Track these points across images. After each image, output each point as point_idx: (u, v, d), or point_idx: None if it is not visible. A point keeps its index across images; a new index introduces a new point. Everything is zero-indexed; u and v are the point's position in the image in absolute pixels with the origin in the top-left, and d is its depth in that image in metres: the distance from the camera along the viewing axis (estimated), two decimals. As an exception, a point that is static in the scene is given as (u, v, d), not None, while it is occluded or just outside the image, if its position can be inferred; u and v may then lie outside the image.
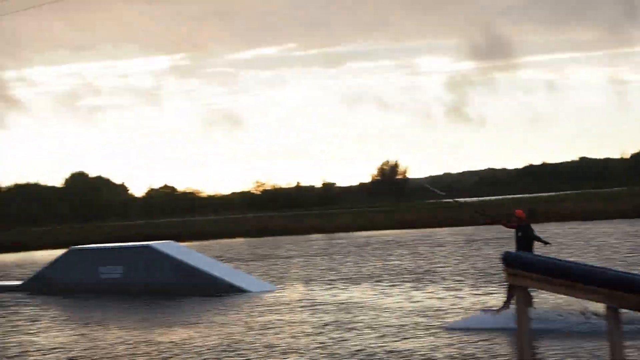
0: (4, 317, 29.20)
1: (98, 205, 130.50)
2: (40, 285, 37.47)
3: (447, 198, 31.56)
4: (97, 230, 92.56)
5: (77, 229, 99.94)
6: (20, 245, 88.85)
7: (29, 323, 27.23)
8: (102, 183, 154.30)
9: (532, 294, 20.95)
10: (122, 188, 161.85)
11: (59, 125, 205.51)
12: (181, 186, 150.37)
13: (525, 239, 22.29)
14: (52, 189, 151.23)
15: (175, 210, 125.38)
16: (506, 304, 22.01)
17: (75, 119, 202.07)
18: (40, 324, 26.89)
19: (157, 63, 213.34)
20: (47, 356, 20.51)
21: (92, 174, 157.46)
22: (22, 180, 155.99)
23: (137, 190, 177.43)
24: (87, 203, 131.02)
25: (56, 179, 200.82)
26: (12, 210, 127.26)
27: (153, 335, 22.93)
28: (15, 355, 20.79)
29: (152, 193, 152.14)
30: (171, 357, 19.47)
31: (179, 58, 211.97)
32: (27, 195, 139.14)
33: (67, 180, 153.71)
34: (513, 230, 22.59)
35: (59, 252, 42.46)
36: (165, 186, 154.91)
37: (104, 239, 65.44)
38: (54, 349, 21.59)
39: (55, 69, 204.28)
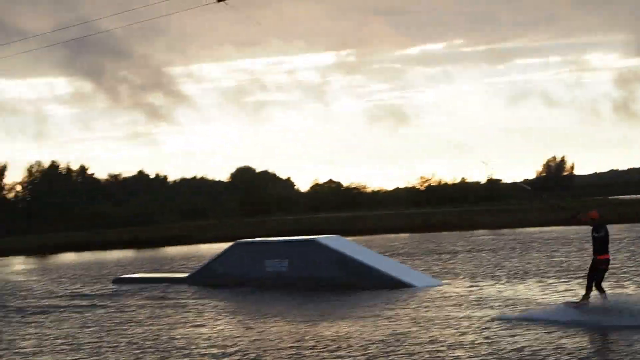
0: (171, 309, 29.64)
1: (263, 200, 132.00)
2: (206, 278, 37.97)
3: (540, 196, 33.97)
4: (262, 224, 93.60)
5: (242, 222, 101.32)
6: (187, 238, 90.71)
7: (195, 315, 27.57)
8: (267, 177, 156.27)
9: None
10: (288, 182, 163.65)
11: (226, 120, 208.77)
12: (346, 181, 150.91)
13: (598, 240, 23.00)
14: (219, 183, 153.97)
15: (340, 205, 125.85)
16: (585, 297, 22.96)
17: (241, 114, 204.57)
18: (207, 316, 27.19)
19: (323, 59, 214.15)
20: (214, 348, 20.64)
21: (258, 168, 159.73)
22: (189, 174, 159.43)
23: (303, 184, 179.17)
24: (253, 197, 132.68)
25: (222, 174, 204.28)
26: (178, 203, 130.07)
27: (318, 328, 22.88)
28: (183, 347, 20.99)
29: (317, 188, 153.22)
30: (336, 350, 19.35)
31: (345, 54, 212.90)
32: (194, 189, 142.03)
33: (233, 175, 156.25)
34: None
35: (224, 246, 42.99)
36: (331, 181, 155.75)
37: (269, 233, 66.15)
38: (221, 341, 21.75)
39: (222, 65, 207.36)
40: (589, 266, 23.20)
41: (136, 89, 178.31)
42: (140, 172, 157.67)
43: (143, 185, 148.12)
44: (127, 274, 44.89)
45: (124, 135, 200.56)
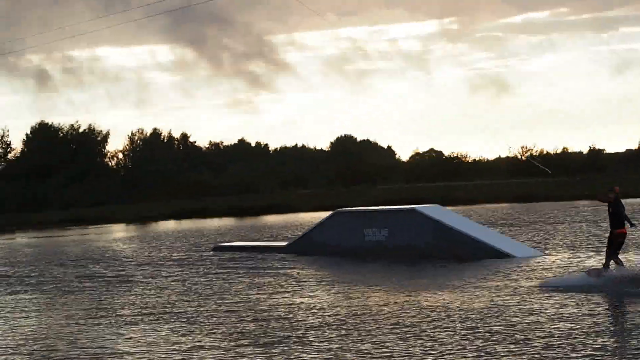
0: (271, 277, 29.75)
1: (364, 169, 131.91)
2: (306, 247, 38.05)
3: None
4: (362, 194, 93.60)
5: (342, 192, 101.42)
6: (286, 207, 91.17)
7: (294, 283, 27.63)
8: (368, 146, 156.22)
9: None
10: (388, 152, 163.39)
11: (327, 89, 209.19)
12: (447, 151, 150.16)
13: (615, 215, 24.12)
14: (319, 151, 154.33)
15: (440, 175, 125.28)
16: (606, 265, 24.38)
17: (343, 83, 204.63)
18: (306, 285, 27.22)
19: (426, 27, 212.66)
20: (313, 317, 20.63)
21: (359, 137, 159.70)
22: (289, 143, 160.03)
23: (403, 154, 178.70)
24: (353, 166, 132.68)
25: (323, 142, 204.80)
26: (279, 172, 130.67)
27: (417, 297, 22.73)
28: (283, 315, 21.02)
29: (417, 157, 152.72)
30: (436, 320, 19.19)
31: (447, 22, 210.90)
32: (294, 158, 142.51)
33: (333, 144, 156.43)
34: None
35: (323, 215, 43.03)
36: (431, 150, 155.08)
37: (369, 202, 66.11)
38: (320, 309, 21.75)
39: (324, 33, 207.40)
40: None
41: (238, 57, 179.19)
42: (241, 141, 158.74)
43: (244, 154, 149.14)
44: (227, 242, 45.25)
45: (225, 103, 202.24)
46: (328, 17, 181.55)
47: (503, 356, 15.33)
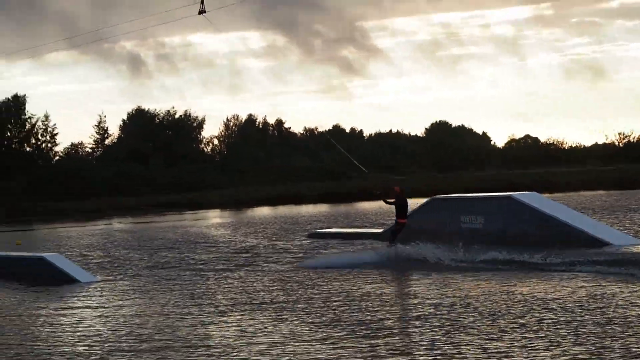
0: (367, 264, 29.68)
1: (458, 155, 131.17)
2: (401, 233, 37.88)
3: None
4: (457, 180, 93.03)
5: (437, 178, 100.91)
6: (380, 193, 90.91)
7: (389, 272, 27.53)
8: (463, 132, 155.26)
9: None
10: (484, 138, 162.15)
11: (420, 74, 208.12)
12: (543, 137, 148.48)
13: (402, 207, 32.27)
14: (414, 137, 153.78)
15: (536, 161, 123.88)
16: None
17: (437, 68, 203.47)
18: (403, 272, 27.09)
19: (520, 12, 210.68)
20: (412, 305, 20.49)
21: (454, 123, 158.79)
22: (383, 128, 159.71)
23: (498, 140, 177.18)
24: (448, 152, 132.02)
25: (418, 128, 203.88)
26: (371, 158, 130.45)
27: (513, 287, 22.43)
28: (372, 306, 20.89)
29: (513, 143, 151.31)
30: (531, 310, 18.90)
31: (542, 7, 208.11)
32: (389, 144, 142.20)
33: (428, 130, 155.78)
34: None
35: (419, 201, 42.82)
36: (527, 136, 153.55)
37: (464, 188, 65.61)
38: (417, 297, 21.60)
39: (416, 19, 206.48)
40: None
41: (329, 42, 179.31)
42: (336, 127, 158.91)
43: (338, 140, 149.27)
44: (322, 229, 45.34)
45: (318, 89, 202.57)
46: (420, 2, 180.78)
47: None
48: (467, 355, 14.87)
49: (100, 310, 22.05)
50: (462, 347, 15.53)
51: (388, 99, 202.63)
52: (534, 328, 16.89)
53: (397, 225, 32.13)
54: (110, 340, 17.81)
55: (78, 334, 18.67)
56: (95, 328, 19.31)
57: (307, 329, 17.97)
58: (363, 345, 16.05)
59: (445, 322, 17.91)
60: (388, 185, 33.39)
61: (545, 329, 16.69)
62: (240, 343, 16.82)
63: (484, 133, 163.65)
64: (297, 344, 16.51)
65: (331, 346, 16.16)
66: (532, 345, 15.42)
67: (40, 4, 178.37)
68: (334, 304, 21.04)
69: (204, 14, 48.28)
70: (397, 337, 16.66)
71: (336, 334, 17.21)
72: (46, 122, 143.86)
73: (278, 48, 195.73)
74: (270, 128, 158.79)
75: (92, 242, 47.05)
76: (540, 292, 21.16)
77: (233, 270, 29.83)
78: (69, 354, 16.63)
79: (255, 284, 25.61)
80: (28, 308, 23.08)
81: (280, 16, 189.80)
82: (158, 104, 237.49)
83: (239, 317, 19.83)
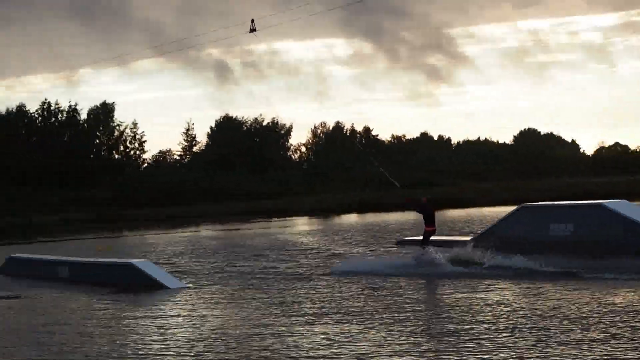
0: (455, 272, 29.39)
1: (547, 162, 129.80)
2: (490, 241, 37.48)
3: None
4: (546, 188, 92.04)
5: (525, 185, 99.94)
6: (469, 201, 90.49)
7: (479, 280, 27.19)
8: (552, 140, 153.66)
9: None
10: (572, 145, 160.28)
11: (508, 81, 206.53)
12: (633, 144, 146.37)
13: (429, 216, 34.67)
14: (502, 145, 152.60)
15: (626, 169, 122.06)
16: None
17: (524, 75, 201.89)
18: (490, 280, 26.74)
19: (608, 19, 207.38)
20: (501, 314, 20.19)
21: (542, 130, 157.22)
22: (471, 136, 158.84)
23: (587, 147, 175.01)
24: (536, 159, 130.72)
25: (506, 136, 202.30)
26: (461, 165, 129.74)
27: (606, 296, 21.99)
28: (455, 315, 20.66)
29: (602, 151, 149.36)
30: (624, 320, 18.51)
31: (632, 14, 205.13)
32: (477, 151, 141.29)
33: (516, 137, 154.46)
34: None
35: (507, 209, 42.37)
36: (617, 144, 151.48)
37: (553, 196, 64.82)
38: (507, 306, 21.24)
39: (502, 26, 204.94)
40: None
41: (416, 49, 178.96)
42: (424, 134, 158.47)
43: (426, 147, 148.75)
44: (411, 236, 45.08)
45: (404, 96, 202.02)
46: (505, 9, 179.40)
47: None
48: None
49: (188, 317, 22.11)
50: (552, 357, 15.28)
51: (475, 107, 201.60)
52: (626, 336, 16.54)
53: (426, 233, 34.54)
54: (198, 347, 17.83)
55: (165, 340, 18.74)
56: (182, 335, 19.36)
57: (395, 338, 17.80)
58: (452, 355, 15.84)
59: (535, 331, 17.62)
60: (418, 196, 36.94)
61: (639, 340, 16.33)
62: (328, 352, 16.71)
63: (572, 140, 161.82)
64: (385, 353, 16.36)
65: (420, 356, 15.99)
66: (626, 357, 15.08)
67: (127, 13, 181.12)
68: (423, 312, 20.84)
69: (254, 32, 51.56)
70: (485, 347, 16.42)
71: (425, 343, 17.02)
72: (134, 130, 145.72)
73: (364, 55, 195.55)
74: (358, 135, 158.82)
75: (180, 249, 47.36)
76: (635, 302, 20.73)
77: (320, 277, 29.75)
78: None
79: (342, 292, 25.50)
80: (116, 314, 23.25)
81: (366, 23, 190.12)
82: (244, 111, 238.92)
83: (326, 325, 19.72)
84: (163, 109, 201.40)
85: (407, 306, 21.92)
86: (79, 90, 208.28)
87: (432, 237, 37.10)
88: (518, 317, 19.44)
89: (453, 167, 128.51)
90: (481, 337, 17.38)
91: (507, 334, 17.51)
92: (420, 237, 40.51)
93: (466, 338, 17.33)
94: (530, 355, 15.52)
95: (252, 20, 52.17)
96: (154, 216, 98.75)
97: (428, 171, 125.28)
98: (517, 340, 16.92)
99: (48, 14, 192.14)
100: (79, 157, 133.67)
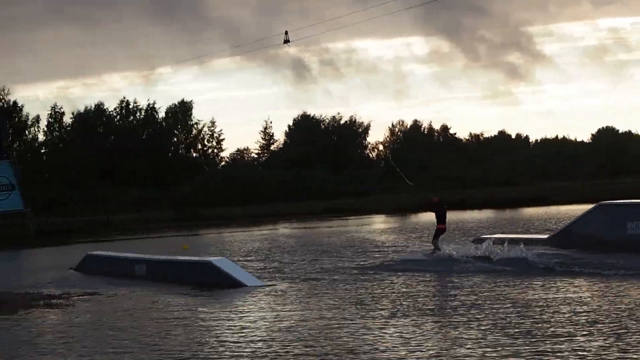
0: (533, 271, 29.21)
1: (626, 160, 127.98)
2: (567, 240, 37.18)
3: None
4: (625, 186, 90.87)
5: (603, 184, 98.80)
6: (546, 200, 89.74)
7: (552, 278, 27.01)
8: (631, 138, 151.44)
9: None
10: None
11: (587, 80, 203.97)
12: None
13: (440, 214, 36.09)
14: (580, 143, 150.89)
15: None
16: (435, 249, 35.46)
17: (603, 73, 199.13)
18: (566, 277, 26.55)
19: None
20: (579, 312, 20.02)
21: (621, 129, 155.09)
22: (549, 134, 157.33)
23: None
24: (615, 158, 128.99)
25: (584, 134, 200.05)
26: (539, 164, 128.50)
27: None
28: (547, 310, 20.53)
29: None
30: None
31: None
32: (555, 150, 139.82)
33: (594, 136, 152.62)
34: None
35: (584, 208, 41.96)
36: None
37: (631, 194, 63.96)
38: (585, 304, 21.11)
39: (582, 24, 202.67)
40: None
41: (494, 47, 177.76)
42: (502, 132, 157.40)
43: (504, 146, 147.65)
44: (487, 235, 44.85)
45: (483, 95, 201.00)
46: (585, 7, 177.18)
47: None
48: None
49: (266, 315, 22.24)
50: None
51: (554, 105, 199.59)
52: None
53: (437, 230, 36.26)
54: (275, 345, 17.95)
55: (243, 338, 18.89)
56: (259, 333, 19.48)
57: (472, 335, 17.75)
58: (530, 353, 15.77)
59: (615, 329, 17.49)
60: (430, 196, 38.79)
61: None
62: (406, 349, 16.73)
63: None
64: (463, 350, 16.34)
65: (498, 353, 15.95)
66: None
67: (205, 12, 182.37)
68: (500, 310, 20.73)
69: (288, 43, 54.15)
70: (564, 344, 16.33)
71: (502, 340, 16.96)
72: (212, 128, 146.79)
73: (442, 53, 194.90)
74: (436, 134, 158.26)
75: (258, 247, 47.65)
76: None
77: (397, 275, 29.76)
78: (233, 358, 16.85)
79: (419, 289, 25.49)
80: (195, 312, 23.48)
81: (444, 22, 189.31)
82: (322, 109, 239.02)
83: (403, 323, 19.72)
84: (241, 108, 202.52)
85: (481, 303, 21.82)
86: (157, 89, 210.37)
87: (511, 235, 37.03)
88: (597, 316, 19.26)
89: (531, 165, 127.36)
90: (559, 336, 17.28)
91: (585, 333, 17.38)
92: (497, 235, 40.53)
93: (543, 337, 17.23)
94: (609, 356, 15.41)
95: (286, 32, 54.73)
96: (232, 214, 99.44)
97: (507, 169, 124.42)
98: (595, 339, 16.78)
99: (129, 13, 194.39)
100: (157, 156, 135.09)
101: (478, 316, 20.04)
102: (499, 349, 16.33)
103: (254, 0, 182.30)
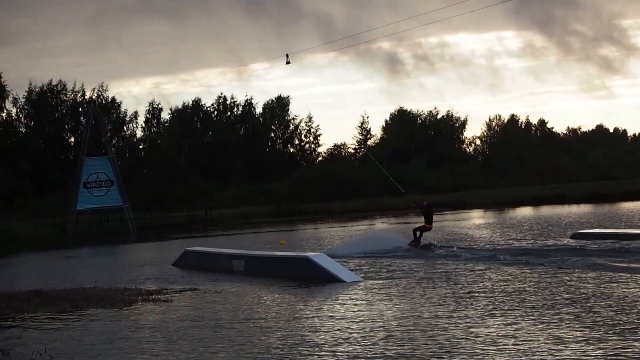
0: (628, 265, 28.72)
1: None
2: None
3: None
4: None
5: None
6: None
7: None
8: None
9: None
10: None
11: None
12: None
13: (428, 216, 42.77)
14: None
15: None
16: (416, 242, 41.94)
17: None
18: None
19: None
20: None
21: None
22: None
23: None
24: None
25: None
26: (637, 158, 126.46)
27: None
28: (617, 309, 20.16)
29: None
30: None
31: None
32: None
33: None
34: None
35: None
36: None
37: None
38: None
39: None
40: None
41: (588, 40, 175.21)
42: (600, 126, 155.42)
43: (602, 139, 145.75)
44: (587, 229, 44.29)
45: (578, 89, 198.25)
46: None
47: None
48: None
49: (364, 310, 22.16)
50: None
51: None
52: None
53: (423, 228, 42.70)
54: (372, 340, 17.89)
55: (339, 334, 18.85)
56: (357, 328, 19.42)
57: (570, 331, 17.48)
58: (631, 350, 15.48)
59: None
60: (420, 201, 47.55)
61: None
62: (504, 346, 16.56)
63: None
64: (562, 347, 16.09)
65: (599, 349, 15.68)
66: None
67: (297, 6, 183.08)
68: (601, 307, 20.37)
69: (289, 64, 58.33)
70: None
71: (605, 337, 16.67)
72: (309, 123, 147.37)
73: (535, 47, 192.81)
74: (533, 128, 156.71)
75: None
76: None
77: (494, 271, 29.50)
78: (330, 355, 16.81)
79: (514, 286, 25.22)
80: (293, 307, 23.53)
81: (537, 15, 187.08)
82: (418, 104, 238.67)
83: (502, 319, 19.52)
84: (336, 103, 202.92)
85: (578, 299, 21.48)
86: (252, 84, 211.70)
87: (610, 230, 36.62)
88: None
89: (630, 159, 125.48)
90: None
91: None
92: (596, 230, 40.17)
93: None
94: None
95: (287, 55, 58.46)
96: (329, 210, 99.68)
97: (605, 163, 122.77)
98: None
99: (221, 8, 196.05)
100: (255, 152, 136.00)
101: (579, 312, 19.76)
102: (597, 344, 16.08)
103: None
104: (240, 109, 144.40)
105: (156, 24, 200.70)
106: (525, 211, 78.60)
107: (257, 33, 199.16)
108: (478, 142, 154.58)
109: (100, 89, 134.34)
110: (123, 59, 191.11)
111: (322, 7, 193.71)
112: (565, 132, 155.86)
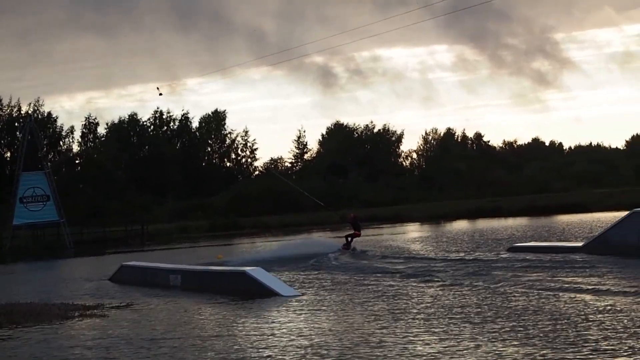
0: (567, 277, 29.05)
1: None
2: (602, 247, 37.00)
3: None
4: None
5: (639, 190, 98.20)
6: (581, 207, 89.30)
7: (592, 284, 26.82)
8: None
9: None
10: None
11: (616, 86, 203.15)
12: None
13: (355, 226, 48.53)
14: (614, 150, 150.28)
15: None
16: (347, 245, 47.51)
17: (632, 80, 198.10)
18: (603, 286, 26.37)
19: None
20: (595, 322, 19.90)
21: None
22: (582, 141, 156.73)
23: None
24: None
25: (618, 141, 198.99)
26: (573, 171, 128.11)
27: None
28: (584, 318, 20.38)
29: None
30: None
31: None
32: (589, 157, 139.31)
33: (628, 142, 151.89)
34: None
35: (620, 214, 41.72)
36: None
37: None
38: (606, 313, 20.94)
39: (608, 30, 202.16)
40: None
41: (520, 54, 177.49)
42: (535, 139, 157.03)
43: (538, 153, 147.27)
44: (522, 242, 44.70)
45: (512, 102, 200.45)
46: (606, 12, 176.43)
47: None
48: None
49: (300, 324, 22.18)
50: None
51: (584, 112, 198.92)
52: None
53: (354, 235, 48.48)
54: (307, 355, 17.92)
55: (276, 348, 18.85)
56: (294, 343, 19.43)
57: (509, 343, 17.61)
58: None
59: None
60: (347, 214, 54.45)
61: None
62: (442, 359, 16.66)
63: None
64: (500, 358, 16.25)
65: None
66: None
67: (228, 21, 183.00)
68: (535, 320, 20.57)
69: (161, 95, 63.61)
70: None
71: (540, 351, 16.85)
72: (246, 137, 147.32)
73: (468, 61, 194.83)
74: (469, 141, 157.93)
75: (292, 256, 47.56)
76: None
77: (431, 284, 29.63)
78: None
79: (455, 298, 25.36)
80: (231, 322, 23.46)
81: (469, 29, 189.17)
82: (353, 117, 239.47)
83: (440, 332, 19.61)
84: (272, 117, 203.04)
85: (519, 311, 21.67)
86: (188, 99, 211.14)
87: (546, 243, 36.99)
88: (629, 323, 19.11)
89: (566, 172, 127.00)
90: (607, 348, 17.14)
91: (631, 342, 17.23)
92: (532, 244, 40.60)
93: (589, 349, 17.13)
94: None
95: (158, 87, 65.07)
96: (267, 223, 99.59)
97: (541, 176, 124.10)
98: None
99: (152, 24, 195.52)
100: (192, 166, 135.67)
101: (518, 325, 19.93)
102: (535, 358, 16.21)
103: (274, 8, 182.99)
104: (177, 123, 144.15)
105: (87, 39, 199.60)
106: (462, 224, 79.14)
107: (189, 48, 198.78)
108: (415, 155, 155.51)
109: (36, 104, 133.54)
110: (55, 74, 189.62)
111: (254, 22, 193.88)
112: (501, 145, 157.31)
